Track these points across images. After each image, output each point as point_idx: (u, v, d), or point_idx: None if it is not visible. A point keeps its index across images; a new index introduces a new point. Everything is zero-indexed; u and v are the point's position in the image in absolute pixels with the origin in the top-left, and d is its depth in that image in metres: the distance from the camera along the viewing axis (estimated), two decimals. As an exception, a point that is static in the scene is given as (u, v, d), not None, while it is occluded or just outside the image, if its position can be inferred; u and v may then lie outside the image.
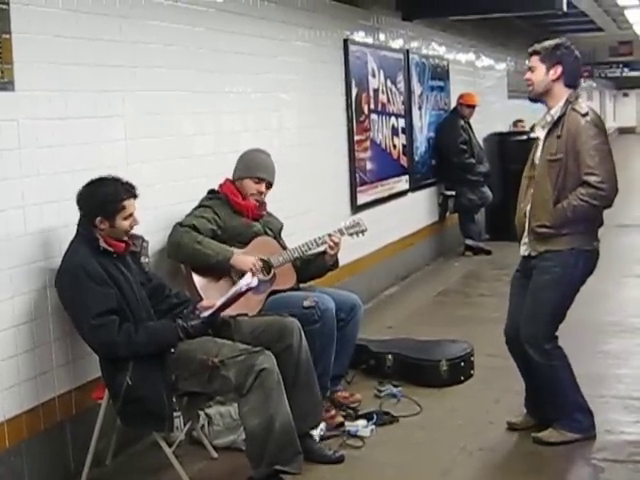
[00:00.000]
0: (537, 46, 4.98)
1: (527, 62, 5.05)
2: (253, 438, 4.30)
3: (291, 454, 4.33)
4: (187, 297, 4.87)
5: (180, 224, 5.23)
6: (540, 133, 4.97)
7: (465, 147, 11.26)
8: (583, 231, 4.84)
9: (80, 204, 4.44)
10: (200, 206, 5.42)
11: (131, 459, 5.04)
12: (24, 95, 4.42)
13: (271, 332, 4.69)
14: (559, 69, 4.87)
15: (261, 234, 5.51)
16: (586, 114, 4.77)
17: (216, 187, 5.56)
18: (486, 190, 11.45)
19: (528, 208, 4.92)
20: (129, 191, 4.46)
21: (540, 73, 4.91)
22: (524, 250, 5.01)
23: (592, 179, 4.68)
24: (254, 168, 5.55)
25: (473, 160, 11.28)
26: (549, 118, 4.90)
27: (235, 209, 5.44)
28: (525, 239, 4.98)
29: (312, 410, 4.76)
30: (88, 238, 4.40)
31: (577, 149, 4.72)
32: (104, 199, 4.37)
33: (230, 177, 5.58)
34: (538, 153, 4.94)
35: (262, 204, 5.60)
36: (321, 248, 5.56)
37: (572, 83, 4.93)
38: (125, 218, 4.44)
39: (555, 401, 5.02)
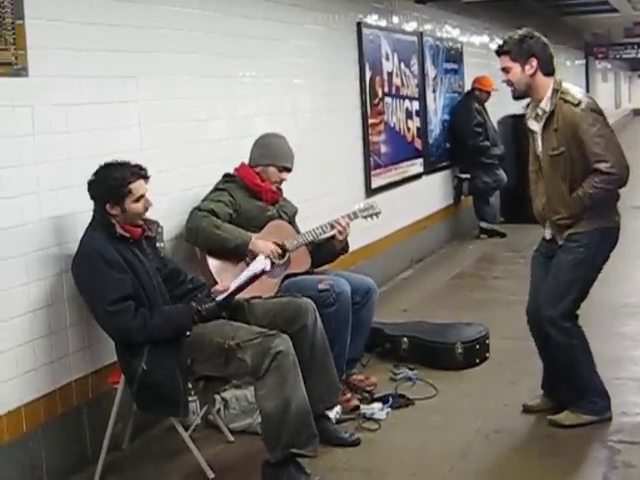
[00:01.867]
0: (504, 46, 4.87)
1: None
2: (269, 421, 4.30)
3: (307, 437, 4.33)
4: (202, 282, 4.87)
5: (198, 209, 5.23)
6: (535, 127, 4.94)
7: (480, 130, 11.22)
8: (603, 210, 4.83)
9: (90, 192, 4.43)
10: (216, 189, 5.42)
11: (148, 443, 5.07)
12: (38, 81, 4.43)
13: (286, 313, 4.68)
14: (534, 62, 4.79)
15: (275, 218, 5.51)
16: (579, 102, 4.72)
17: (231, 171, 5.55)
18: (501, 173, 11.42)
19: (544, 201, 4.91)
20: (136, 173, 4.42)
21: (516, 72, 4.83)
22: (549, 234, 5.00)
23: (603, 166, 4.66)
24: (280, 156, 5.53)
25: (488, 143, 11.25)
26: (540, 112, 4.86)
27: (252, 192, 5.44)
28: (548, 228, 4.98)
29: (328, 390, 4.76)
30: (104, 224, 4.40)
31: (579, 139, 4.68)
32: (109, 185, 4.35)
33: (246, 161, 5.57)
34: (539, 147, 4.92)
35: (279, 188, 5.61)
36: (335, 231, 5.56)
37: (549, 71, 4.85)
38: (135, 201, 4.42)
39: (572, 382, 5.01)
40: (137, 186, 4.41)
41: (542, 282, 5.00)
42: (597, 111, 4.78)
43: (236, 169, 5.54)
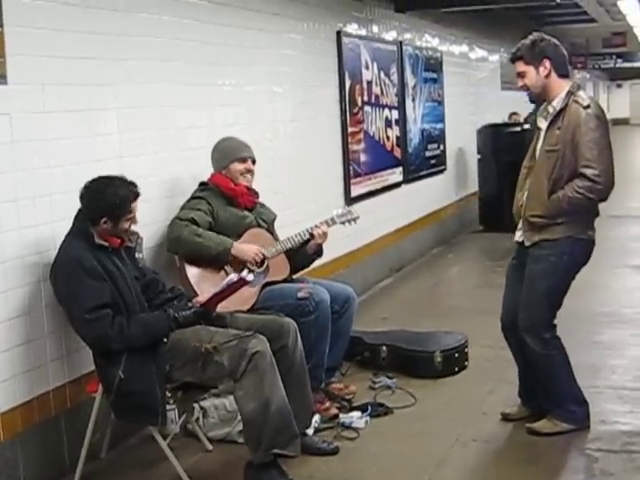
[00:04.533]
0: (517, 52, 4.94)
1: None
2: (250, 423, 4.31)
3: (288, 437, 4.34)
4: (181, 291, 4.86)
5: (179, 218, 5.22)
6: (542, 124, 4.95)
7: None
8: (578, 220, 4.84)
9: (85, 202, 4.41)
10: (194, 198, 5.41)
11: (126, 452, 5.05)
12: (17, 89, 4.41)
13: (267, 330, 4.65)
14: (547, 63, 4.85)
15: (254, 226, 5.51)
16: (588, 106, 4.75)
17: (206, 179, 5.56)
18: None
19: (525, 198, 4.92)
20: (133, 192, 4.44)
21: (531, 75, 4.88)
22: (519, 236, 5.02)
23: (589, 172, 4.68)
24: (235, 151, 5.56)
25: None
26: (551, 109, 4.88)
27: (228, 198, 5.43)
28: (520, 226, 5.00)
29: (303, 412, 4.73)
30: (84, 232, 4.39)
31: (576, 141, 4.71)
32: (114, 202, 4.36)
33: (213, 171, 5.58)
34: (539, 144, 4.94)
35: (253, 191, 5.60)
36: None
37: (564, 72, 4.91)
38: (128, 219, 4.45)
39: (550, 392, 5.03)
40: (134, 206, 4.46)
41: (515, 290, 5.03)
42: (602, 119, 4.82)
43: (209, 178, 5.54)
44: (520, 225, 5.00)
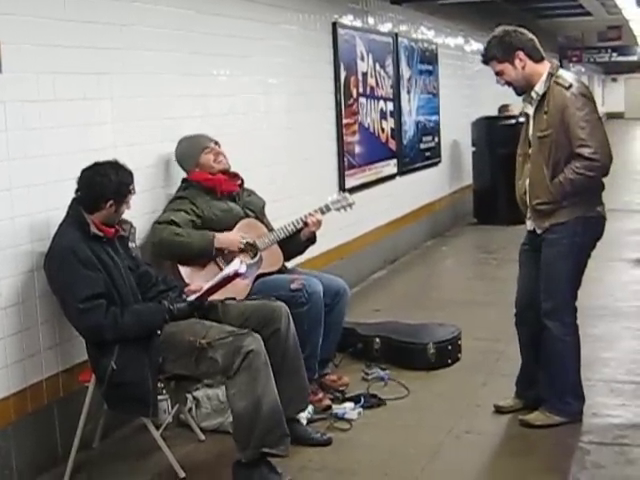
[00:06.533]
0: (487, 54, 4.94)
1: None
2: (240, 421, 4.29)
3: (278, 436, 4.32)
4: (175, 283, 4.84)
5: (158, 222, 5.21)
6: (529, 110, 4.96)
7: None
8: (584, 199, 4.84)
9: (87, 188, 4.40)
10: (176, 198, 5.40)
11: (119, 442, 5.05)
12: (11, 77, 4.39)
13: (259, 316, 4.67)
14: (521, 54, 4.84)
15: (242, 216, 5.48)
16: (570, 86, 4.75)
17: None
18: None
19: (527, 184, 4.92)
20: (131, 171, 4.50)
21: (510, 71, 4.88)
22: (529, 225, 5.03)
23: (585, 151, 4.68)
24: (195, 146, 5.53)
25: None
26: (534, 95, 4.88)
27: (211, 192, 5.40)
28: (529, 214, 5.01)
29: (298, 395, 4.75)
30: (79, 222, 4.39)
31: (566, 122, 4.71)
32: (119, 182, 4.39)
33: (188, 173, 5.56)
34: (530, 130, 4.94)
35: (232, 174, 5.57)
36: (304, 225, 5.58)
37: (539, 55, 4.89)
38: (126, 201, 4.47)
39: (554, 379, 5.01)
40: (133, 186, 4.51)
41: (530, 274, 5.03)
42: (587, 96, 4.81)
43: (189, 176, 5.51)
44: (529, 214, 5.01)
